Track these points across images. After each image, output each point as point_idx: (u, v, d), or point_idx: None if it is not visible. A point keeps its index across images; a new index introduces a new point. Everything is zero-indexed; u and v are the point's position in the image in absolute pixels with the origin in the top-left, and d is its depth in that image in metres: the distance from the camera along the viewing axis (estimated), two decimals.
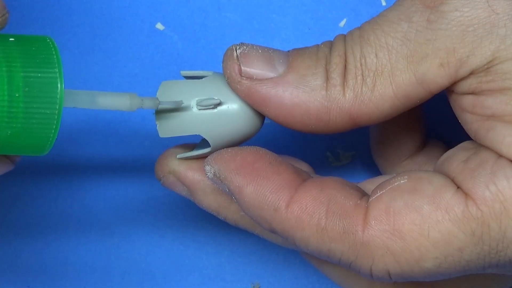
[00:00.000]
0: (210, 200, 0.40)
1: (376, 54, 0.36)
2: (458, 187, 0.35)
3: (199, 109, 0.38)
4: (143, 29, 0.47)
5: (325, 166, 0.47)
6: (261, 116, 0.38)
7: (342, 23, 0.46)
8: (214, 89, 0.38)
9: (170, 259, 0.48)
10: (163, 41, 0.47)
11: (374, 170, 0.46)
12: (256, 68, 0.37)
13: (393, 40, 0.36)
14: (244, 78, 0.37)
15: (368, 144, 0.45)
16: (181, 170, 0.39)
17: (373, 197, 0.36)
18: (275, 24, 0.47)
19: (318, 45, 0.38)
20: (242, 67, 0.37)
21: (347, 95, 0.36)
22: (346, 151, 0.47)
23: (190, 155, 0.39)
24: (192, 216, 0.47)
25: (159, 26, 0.47)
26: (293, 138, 0.47)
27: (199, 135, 0.38)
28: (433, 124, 0.46)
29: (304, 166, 0.41)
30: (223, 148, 0.38)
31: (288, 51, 0.38)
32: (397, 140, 0.43)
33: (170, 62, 0.47)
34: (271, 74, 0.37)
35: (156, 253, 0.48)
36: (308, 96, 0.36)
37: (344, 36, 0.37)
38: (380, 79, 0.36)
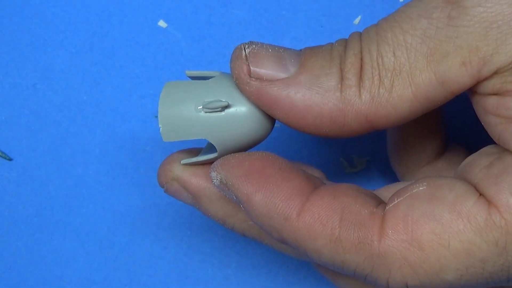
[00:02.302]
0: (216, 209, 0.39)
1: (394, 53, 0.35)
2: (480, 194, 0.34)
3: (206, 112, 0.37)
4: (144, 27, 0.46)
5: (339, 173, 0.47)
6: (271, 119, 0.37)
7: (356, 21, 0.46)
8: (221, 90, 0.37)
9: (173, 271, 0.47)
10: (166, 39, 0.46)
11: (390, 176, 0.45)
12: (266, 69, 0.35)
13: (412, 38, 0.34)
14: (254, 79, 0.35)
15: (384, 149, 0.44)
16: (186, 177, 0.38)
17: (390, 205, 0.35)
18: (285, 22, 0.46)
19: (332, 43, 0.36)
20: (251, 67, 0.35)
21: (363, 96, 0.35)
22: (361, 157, 0.47)
23: (195, 160, 0.38)
24: (197, 225, 0.47)
25: (162, 23, 0.46)
26: (304, 143, 0.46)
27: (205, 140, 0.37)
28: (454, 127, 0.45)
29: (316, 173, 0.40)
30: (230, 153, 0.37)
31: (300, 50, 0.37)
32: (416, 144, 0.42)
33: (173, 62, 0.46)
34: (282, 75, 0.35)
35: (158, 265, 0.47)
36: (321, 98, 0.35)
37: (360, 33, 0.36)
38: (398, 79, 0.34)
